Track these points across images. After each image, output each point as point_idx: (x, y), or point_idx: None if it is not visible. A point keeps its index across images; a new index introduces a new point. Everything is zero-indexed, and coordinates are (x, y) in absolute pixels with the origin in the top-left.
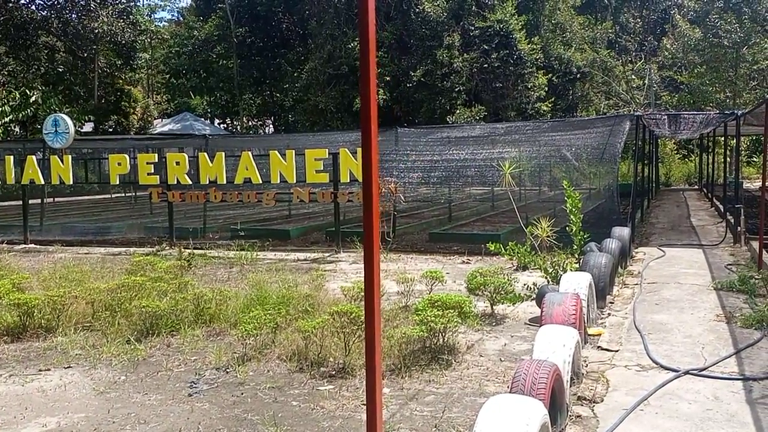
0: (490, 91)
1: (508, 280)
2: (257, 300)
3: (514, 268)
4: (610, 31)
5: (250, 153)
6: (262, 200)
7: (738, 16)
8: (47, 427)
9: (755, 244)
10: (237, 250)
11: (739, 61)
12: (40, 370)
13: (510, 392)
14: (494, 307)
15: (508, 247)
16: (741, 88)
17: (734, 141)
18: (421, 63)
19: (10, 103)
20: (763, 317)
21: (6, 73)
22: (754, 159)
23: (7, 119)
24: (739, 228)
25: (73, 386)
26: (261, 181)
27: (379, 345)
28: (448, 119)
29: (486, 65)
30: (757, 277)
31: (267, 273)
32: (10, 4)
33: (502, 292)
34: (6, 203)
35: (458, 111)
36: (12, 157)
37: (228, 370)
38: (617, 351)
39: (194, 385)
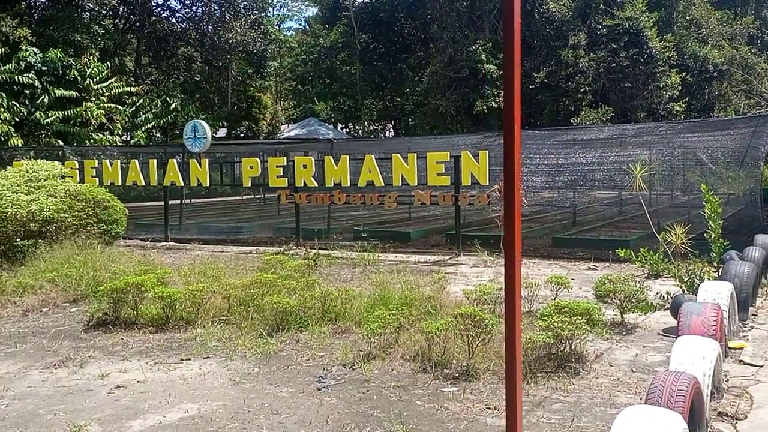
0: (618, 91)
1: (639, 287)
2: (381, 300)
3: (645, 275)
4: (751, 26)
5: (373, 156)
6: (384, 202)
7: None
8: (189, 413)
9: None
10: (359, 251)
11: None
12: (182, 360)
13: (646, 404)
14: (624, 316)
15: (639, 254)
16: None
17: None
18: (545, 64)
19: (153, 111)
20: None
21: (149, 82)
22: None
23: (149, 125)
24: None
25: (212, 375)
26: (383, 184)
27: (520, 352)
28: (572, 121)
29: (614, 65)
30: None
31: (389, 274)
32: (153, 18)
33: (633, 301)
34: (149, 203)
35: (583, 112)
36: (155, 160)
37: (354, 367)
38: (761, 366)
39: (322, 380)
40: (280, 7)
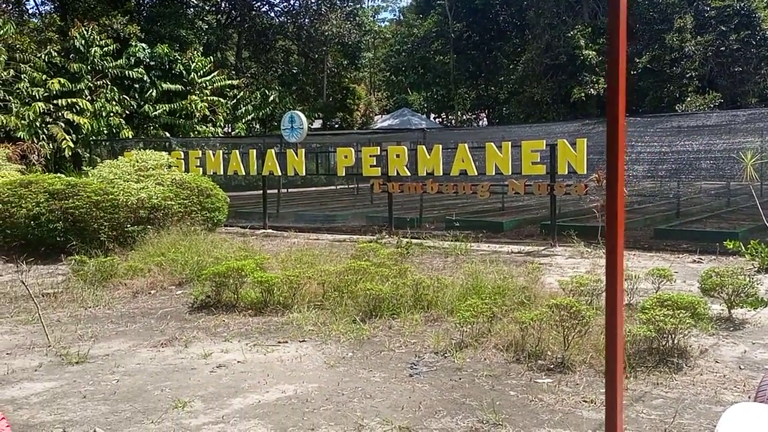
0: (728, 76)
1: (749, 281)
2: (473, 289)
3: (756, 269)
4: None
5: (466, 145)
6: (476, 192)
7: None
8: (286, 393)
9: None
10: (451, 241)
11: None
12: (279, 342)
13: (756, 401)
14: (732, 311)
15: (749, 246)
16: None
17: None
18: (648, 48)
19: (252, 103)
20: None
21: (249, 75)
22: None
23: (249, 117)
24: None
25: (307, 358)
26: (476, 173)
27: (622, 344)
28: (677, 108)
29: (723, 48)
30: None
31: (481, 264)
32: (253, 13)
33: (742, 295)
34: (248, 192)
35: (689, 99)
36: (254, 150)
37: (446, 355)
38: None
39: (414, 367)
40: None
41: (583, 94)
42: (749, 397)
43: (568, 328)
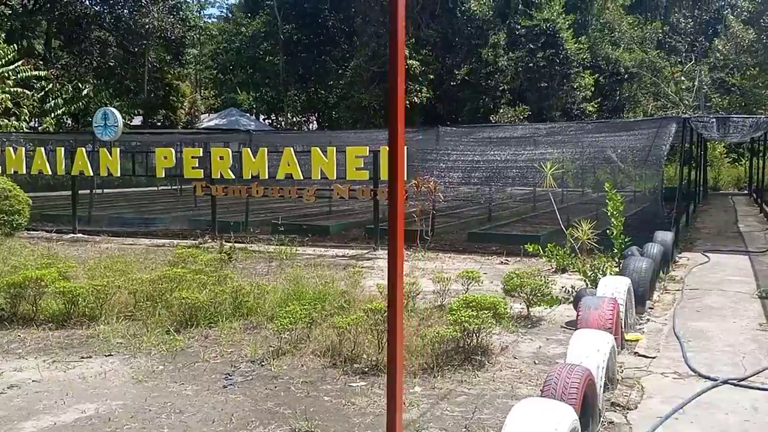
0: (535, 90)
1: (545, 282)
2: (294, 295)
3: (553, 270)
4: (659, 31)
5: (292, 149)
6: (303, 196)
7: None
8: (86, 413)
9: None
10: (277, 245)
11: None
12: (82, 357)
13: (541, 396)
14: (530, 309)
15: (546, 249)
16: None
17: None
18: (466, 61)
19: (63, 96)
20: None
21: (59, 66)
22: None
23: (59, 111)
24: None
25: (113, 374)
26: (302, 177)
27: (401, 343)
28: (491, 118)
29: (531, 64)
30: None
31: (305, 268)
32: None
33: (539, 294)
34: (56, 193)
35: (502, 110)
36: (63, 148)
37: (263, 364)
38: (654, 358)
39: (229, 377)
40: None
41: (407, 102)
42: (541, 391)
43: (382, 332)
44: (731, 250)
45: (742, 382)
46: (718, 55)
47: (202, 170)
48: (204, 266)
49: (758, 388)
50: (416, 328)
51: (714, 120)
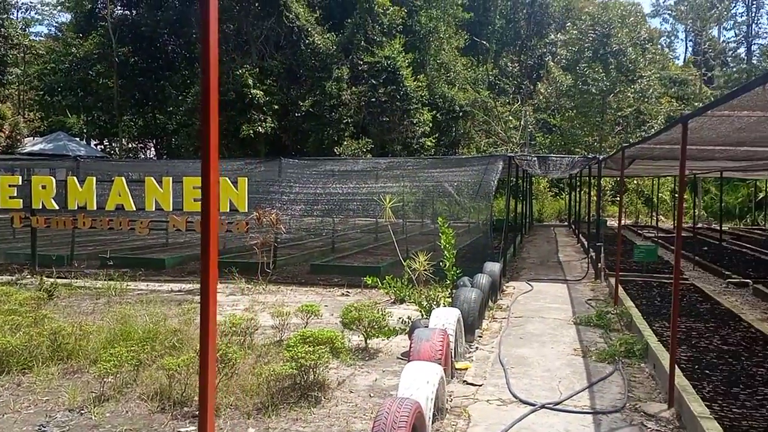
0: (378, 124)
1: (382, 314)
2: (121, 335)
3: (392, 301)
4: (490, 73)
5: (123, 179)
6: (135, 228)
7: (605, 66)
8: None
9: (613, 280)
10: (106, 280)
11: (605, 108)
12: None
13: (372, 430)
14: (368, 341)
15: (384, 281)
16: (607, 132)
17: (599, 182)
18: (311, 93)
19: None
20: (615, 352)
21: None
22: (618, 199)
23: None
24: (599, 264)
25: None
26: (135, 208)
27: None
28: (335, 150)
29: (374, 99)
30: (612, 312)
31: (136, 305)
32: None
33: (377, 327)
34: None
35: (346, 143)
36: None
37: (83, 412)
38: (481, 385)
39: (42, 429)
40: (27, 9)
41: (251, 131)
42: (371, 428)
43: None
44: (552, 278)
45: (558, 406)
46: (540, 97)
47: (20, 200)
48: (19, 306)
49: (571, 411)
50: (252, 366)
51: (535, 158)
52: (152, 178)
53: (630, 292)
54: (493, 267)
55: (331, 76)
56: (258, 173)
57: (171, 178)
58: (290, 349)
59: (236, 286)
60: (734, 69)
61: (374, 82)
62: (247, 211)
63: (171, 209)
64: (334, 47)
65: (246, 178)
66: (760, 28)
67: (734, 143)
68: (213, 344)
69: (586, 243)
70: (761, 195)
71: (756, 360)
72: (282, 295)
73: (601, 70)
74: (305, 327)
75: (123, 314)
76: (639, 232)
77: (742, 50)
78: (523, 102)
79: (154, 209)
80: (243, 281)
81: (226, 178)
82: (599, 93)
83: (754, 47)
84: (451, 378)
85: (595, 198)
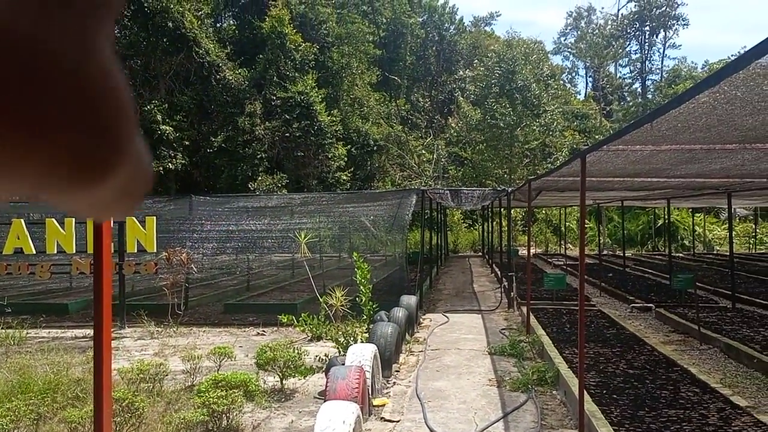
0: (292, 159)
1: (298, 353)
2: (19, 387)
3: (309, 338)
4: (403, 108)
5: (22, 221)
6: (35, 272)
7: (511, 101)
8: None
9: (525, 309)
10: (3, 329)
11: (513, 141)
12: None
13: None
14: (284, 382)
15: (301, 319)
16: (516, 164)
17: (511, 213)
18: (223, 129)
19: None
20: (528, 380)
21: None
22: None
23: None
24: (512, 293)
25: None
26: (35, 252)
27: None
28: (250, 186)
29: (288, 134)
30: (525, 340)
31: (37, 354)
32: None
33: (292, 366)
34: None
35: (260, 178)
36: None
37: None
38: (398, 421)
39: None
40: None
41: (161, 168)
42: None
43: (120, 424)
44: (467, 309)
45: None
46: (452, 131)
47: None
48: None
49: None
50: (161, 414)
51: (448, 191)
52: (53, 219)
53: (541, 320)
54: (410, 300)
55: (244, 111)
56: (168, 211)
57: (74, 219)
58: (202, 394)
59: (145, 330)
60: (631, 103)
61: (288, 117)
62: (156, 251)
63: (74, 251)
64: (246, 82)
65: (155, 217)
66: (653, 64)
67: (631, 174)
68: (108, 397)
69: (499, 272)
70: (660, 222)
71: (659, 382)
72: (194, 337)
73: (507, 105)
74: (218, 370)
75: (22, 365)
76: (549, 260)
77: (637, 85)
78: (435, 136)
79: (56, 252)
80: (152, 324)
81: (133, 218)
82: (507, 127)
83: (648, 82)
84: (369, 415)
85: (506, 228)
